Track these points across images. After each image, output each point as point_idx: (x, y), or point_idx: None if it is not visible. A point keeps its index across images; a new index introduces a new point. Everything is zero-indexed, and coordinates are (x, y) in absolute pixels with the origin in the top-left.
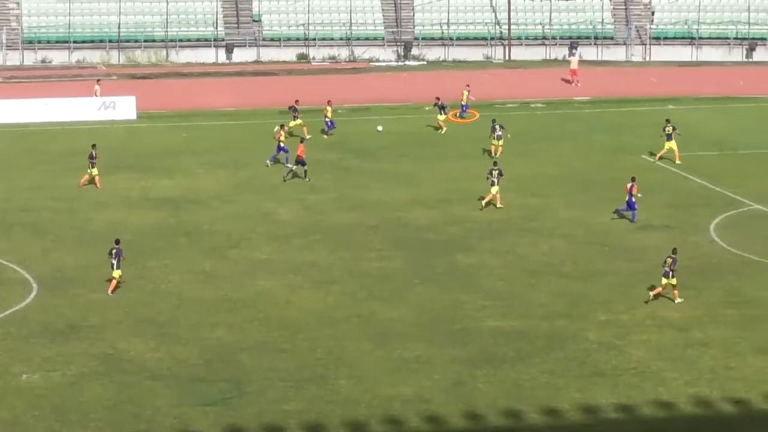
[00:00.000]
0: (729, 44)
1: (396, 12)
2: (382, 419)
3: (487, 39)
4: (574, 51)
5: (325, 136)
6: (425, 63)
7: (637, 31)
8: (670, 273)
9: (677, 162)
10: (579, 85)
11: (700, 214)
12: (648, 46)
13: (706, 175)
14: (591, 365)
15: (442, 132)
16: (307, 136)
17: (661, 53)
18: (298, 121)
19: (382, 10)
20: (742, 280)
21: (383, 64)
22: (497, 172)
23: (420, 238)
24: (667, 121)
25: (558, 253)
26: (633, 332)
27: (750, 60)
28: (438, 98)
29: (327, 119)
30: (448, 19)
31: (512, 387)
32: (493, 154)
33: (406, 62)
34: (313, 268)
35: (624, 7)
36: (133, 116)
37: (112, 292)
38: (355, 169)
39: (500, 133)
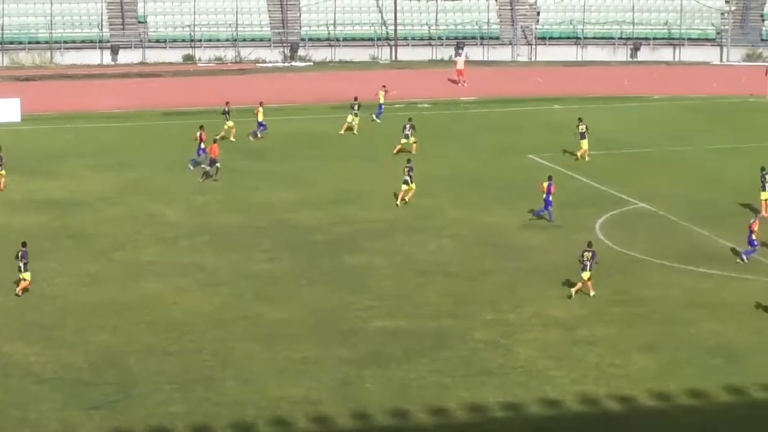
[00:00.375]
0: (614, 44)
1: (282, 13)
2: (270, 421)
3: (373, 40)
4: (460, 51)
5: (252, 138)
6: (312, 64)
7: (523, 31)
8: (588, 266)
9: (586, 159)
10: (465, 85)
11: (585, 213)
12: (534, 46)
13: (592, 174)
14: (478, 364)
15: (342, 132)
16: (232, 139)
17: (547, 53)
18: (231, 123)
19: (269, 11)
20: (628, 279)
21: (270, 65)
22: (408, 169)
23: (308, 239)
24: (580, 119)
25: (446, 253)
26: (520, 331)
27: (634, 60)
28: (356, 98)
29: (258, 120)
30: (335, 20)
31: (400, 387)
32: (396, 153)
33: (293, 63)
34: (199, 269)
35: (510, 7)
36: (18, 119)
37: (21, 292)
38: (243, 170)
39: (408, 132)
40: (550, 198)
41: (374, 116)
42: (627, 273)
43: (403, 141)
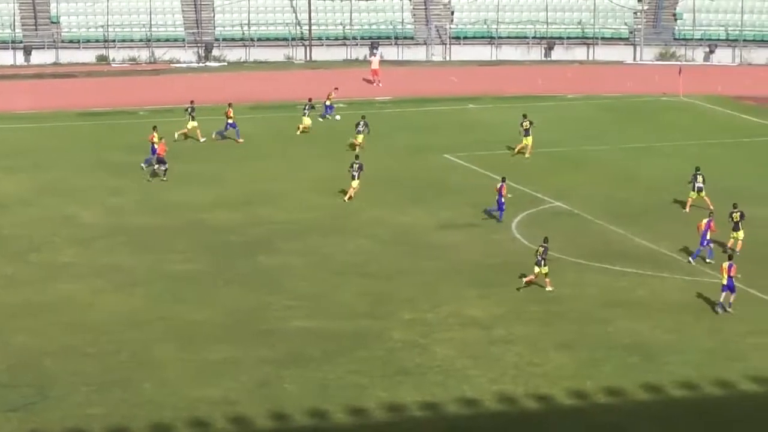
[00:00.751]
0: (528, 43)
1: (196, 13)
2: (189, 422)
3: (288, 40)
4: (374, 51)
5: (218, 138)
6: (226, 64)
7: (437, 30)
8: (542, 261)
9: (527, 156)
10: (380, 85)
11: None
12: (448, 46)
13: (507, 173)
14: (396, 364)
15: (298, 133)
16: (202, 139)
17: (461, 53)
18: (195, 123)
19: (182, 11)
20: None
21: (184, 65)
22: (357, 166)
23: (224, 239)
24: (524, 116)
25: (362, 253)
26: (437, 330)
27: (548, 59)
28: (310, 99)
29: (229, 120)
30: (249, 20)
31: (318, 387)
32: (355, 149)
33: (207, 63)
34: (116, 271)
35: (424, 7)
36: None
37: None
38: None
39: (360, 129)
40: (503, 199)
41: (323, 116)
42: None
43: (357, 137)
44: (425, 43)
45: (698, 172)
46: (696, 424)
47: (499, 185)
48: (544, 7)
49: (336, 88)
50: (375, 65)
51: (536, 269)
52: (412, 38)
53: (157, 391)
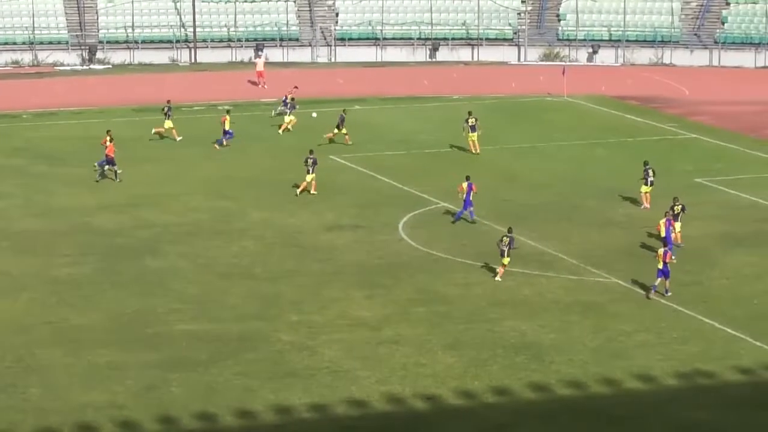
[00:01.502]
0: (413, 44)
1: (79, 15)
2: (75, 427)
3: (172, 42)
4: (260, 53)
5: (218, 146)
6: (111, 66)
7: (322, 32)
8: (506, 252)
9: (474, 152)
10: (266, 87)
11: (388, 213)
12: (333, 47)
13: (394, 174)
14: (284, 366)
15: (280, 132)
16: (178, 138)
17: (347, 54)
18: (171, 123)
19: (66, 13)
20: (431, 278)
21: (68, 68)
22: (312, 160)
23: (109, 243)
24: (469, 113)
25: (248, 255)
26: (325, 332)
27: (433, 60)
28: (293, 98)
29: (224, 129)
30: (133, 22)
31: (206, 390)
32: (328, 141)
33: (92, 66)
34: (0, 275)
35: (308, 9)
36: None
37: None
38: (42, 174)
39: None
40: (471, 198)
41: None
42: (430, 272)
43: (335, 131)
44: (310, 45)
45: (648, 167)
46: (582, 422)
47: (465, 184)
48: (428, 8)
49: (296, 87)
50: (260, 67)
51: (504, 260)
52: (297, 40)
53: (44, 396)
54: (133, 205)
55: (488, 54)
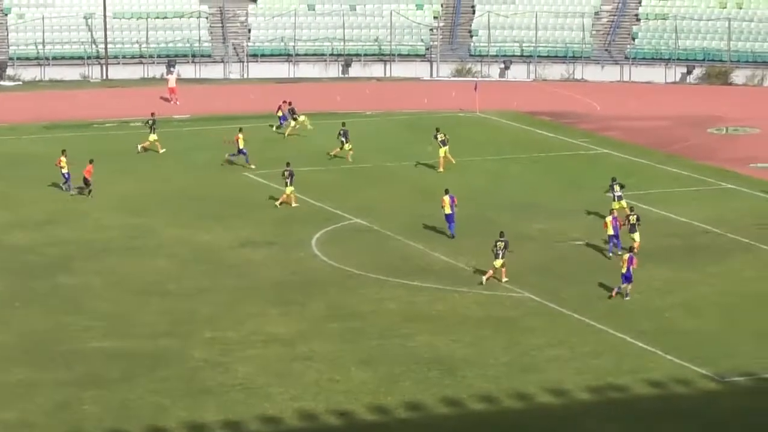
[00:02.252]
0: (325, 61)
1: None
2: None
3: (83, 58)
4: (171, 69)
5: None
6: (21, 83)
7: (235, 48)
8: (501, 254)
9: (439, 170)
10: (178, 103)
11: (302, 229)
12: (246, 64)
13: (308, 190)
14: (198, 383)
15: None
16: (161, 150)
17: (259, 70)
18: (155, 136)
19: None
20: (344, 294)
21: None
22: (288, 172)
23: (21, 260)
24: (437, 129)
25: (162, 272)
26: (238, 348)
27: (346, 76)
28: (287, 102)
29: (239, 147)
30: (44, 39)
31: (119, 407)
32: (331, 155)
33: (2, 83)
34: None
35: (221, 25)
36: None
37: None
38: None
39: (343, 138)
40: (452, 212)
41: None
42: (343, 288)
43: (341, 148)
44: (223, 61)
45: (615, 182)
46: None
47: (447, 197)
48: (340, 24)
49: (284, 101)
50: (172, 83)
51: (496, 262)
52: (209, 56)
53: None
54: (47, 222)
55: (401, 70)
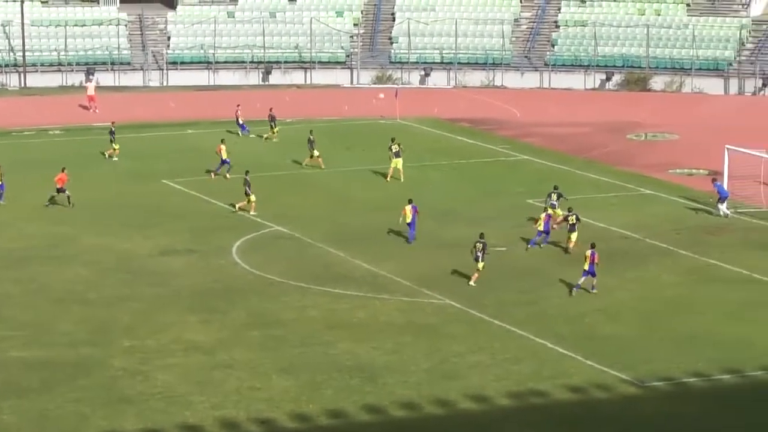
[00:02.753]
0: (245, 68)
1: None
2: None
3: (1, 66)
4: (90, 77)
5: (212, 176)
6: None
7: (154, 56)
8: (481, 256)
9: (388, 179)
10: (97, 111)
11: (223, 237)
12: (165, 71)
13: (227, 198)
14: (117, 391)
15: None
16: (115, 159)
17: (179, 78)
18: (117, 145)
19: None
20: (265, 302)
21: None
22: (245, 181)
23: None
24: (393, 139)
25: (81, 281)
26: (158, 357)
27: (266, 83)
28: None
29: (222, 158)
30: None
31: (38, 417)
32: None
33: None
34: None
35: (140, 32)
36: None
37: None
38: None
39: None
40: (416, 219)
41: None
42: (264, 295)
43: (311, 156)
44: (142, 69)
45: (555, 191)
46: None
47: (409, 207)
48: (260, 32)
49: (238, 105)
50: (91, 91)
51: (479, 264)
52: (128, 64)
53: None
54: None
55: (321, 77)
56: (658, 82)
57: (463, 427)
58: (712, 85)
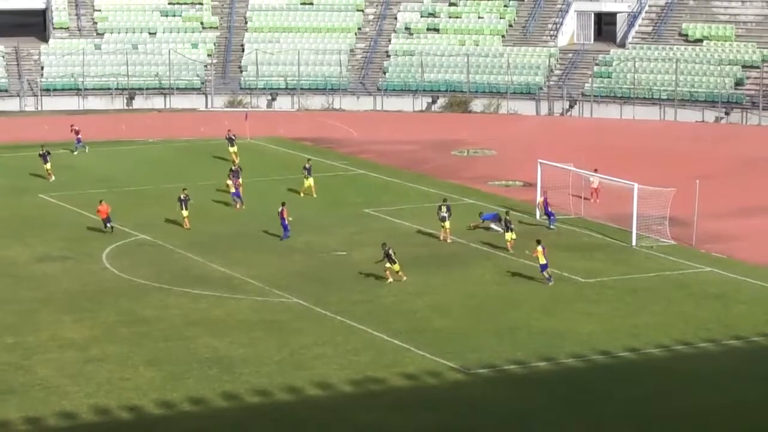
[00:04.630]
0: (111, 94)
1: None
2: None
3: None
4: None
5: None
6: None
7: (29, 84)
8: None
9: (314, 196)
10: None
11: (94, 245)
12: (39, 97)
13: (91, 211)
14: (1, 384)
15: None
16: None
17: (52, 103)
18: (49, 165)
19: None
20: (132, 302)
21: None
22: (185, 196)
23: None
24: (309, 159)
25: None
26: (38, 352)
27: (130, 108)
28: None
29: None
30: None
31: None
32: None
33: None
34: None
35: (16, 62)
36: None
37: None
38: None
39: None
40: (286, 222)
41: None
42: (131, 296)
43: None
44: (18, 95)
45: (444, 203)
46: (269, 425)
47: (280, 209)
48: (125, 61)
49: (72, 125)
50: None
51: (395, 266)
52: (6, 90)
53: None
54: None
55: (179, 102)
56: (477, 105)
57: (310, 410)
58: (526, 107)
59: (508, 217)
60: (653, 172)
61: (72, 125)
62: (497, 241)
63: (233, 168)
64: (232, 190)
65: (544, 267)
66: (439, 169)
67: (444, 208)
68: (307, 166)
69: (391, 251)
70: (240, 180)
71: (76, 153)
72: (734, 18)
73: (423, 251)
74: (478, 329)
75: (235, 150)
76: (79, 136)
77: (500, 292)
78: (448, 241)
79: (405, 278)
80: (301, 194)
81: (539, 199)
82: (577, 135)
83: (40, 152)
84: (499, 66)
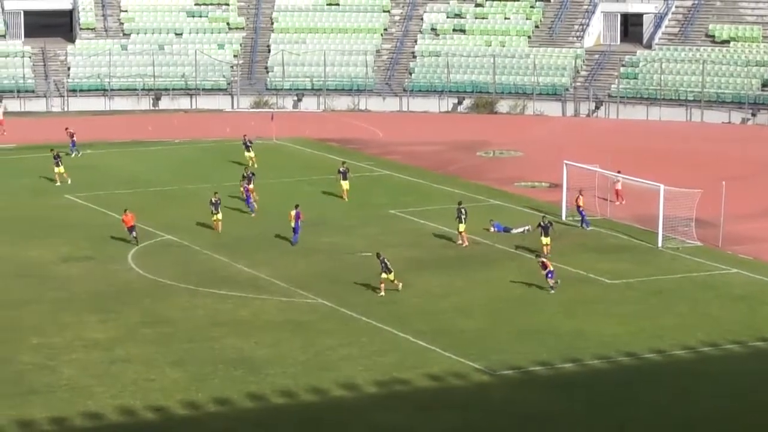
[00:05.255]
0: (138, 95)
1: None
2: None
3: None
4: None
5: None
6: None
7: (56, 84)
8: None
9: (346, 200)
10: (5, 133)
11: (119, 245)
12: (66, 98)
13: (123, 210)
14: (26, 384)
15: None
16: (58, 184)
17: (78, 104)
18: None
19: None
20: (157, 302)
21: None
22: (216, 200)
23: None
24: (343, 162)
25: None
26: (63, 353)
27: (157, 108)
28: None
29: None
30: None
31: None
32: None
33: None
34: None
35: (43, 63)
36: None
37: None
38: None
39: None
40: (300, 224)
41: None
42: (156, 297)
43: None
44: (45, 96)
45: (461, 206)
46: (294, 426)
47: (293, 212)
48: (151, 62)
49: (67, 128)
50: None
51: (390, 276)
52: (33, 91)
53: None
54: None
55: (205, 102)
56: (503, 106)
57: (336, 412)
58: (551, 108)
59: (545, 222)
60: (680, 174)
61: (67, 128)
62: (521, 243)
63: (245, 174)
64: (245, 196)
65: (549, 273)
66: (464, 170)
67: (464, 211)
68: (341, 169)
69: (386, 260)
70: (251, 185)
71: (72, 156)
72: (761, 19)
73: (447, 252)
74: (502, 330)
75: (252, 155)
76: (74, 138)
77: (524, 293)
78: (465, 244)
79: (401, 285)
80: (345, 198)
81: (579, 197)
82: (603, 136)
83: (53, 155)
84: (525, 67)
